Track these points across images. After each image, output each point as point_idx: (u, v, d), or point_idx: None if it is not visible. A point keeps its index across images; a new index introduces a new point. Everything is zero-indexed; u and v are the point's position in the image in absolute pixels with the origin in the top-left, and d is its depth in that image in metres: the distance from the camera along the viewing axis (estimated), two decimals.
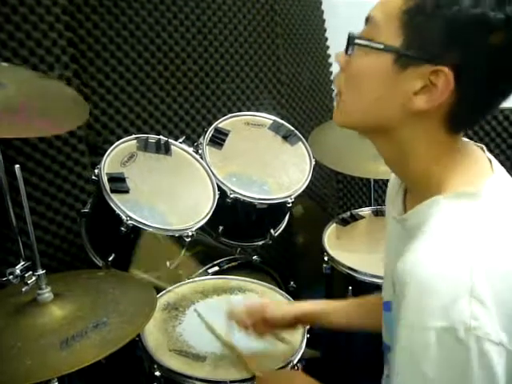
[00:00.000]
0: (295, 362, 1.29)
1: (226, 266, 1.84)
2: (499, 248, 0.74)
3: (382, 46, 0.78)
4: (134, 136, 1.70)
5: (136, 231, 1.50)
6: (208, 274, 1.78)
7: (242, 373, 1.24)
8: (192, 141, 2.09)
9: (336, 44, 2.85)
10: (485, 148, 0.89)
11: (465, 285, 0.70)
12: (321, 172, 2.80)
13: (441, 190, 0.81)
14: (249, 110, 2.31)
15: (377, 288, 1.70)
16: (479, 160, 0.86)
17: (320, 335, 1.44)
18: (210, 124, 1.94)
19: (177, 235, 1.55)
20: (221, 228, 1.83)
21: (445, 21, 0.73)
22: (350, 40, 0.81)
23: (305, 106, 2.75)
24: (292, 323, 1.27)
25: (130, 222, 1.47)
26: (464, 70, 0.74)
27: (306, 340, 1.35)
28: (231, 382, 1.21)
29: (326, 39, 2.86)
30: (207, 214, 1.63)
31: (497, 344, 0.69)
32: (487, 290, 0.69)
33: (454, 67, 0.73)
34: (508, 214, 0.78)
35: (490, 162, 0.86)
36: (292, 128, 2.00)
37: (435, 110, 0.78)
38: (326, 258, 1.88)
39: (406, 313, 0.74)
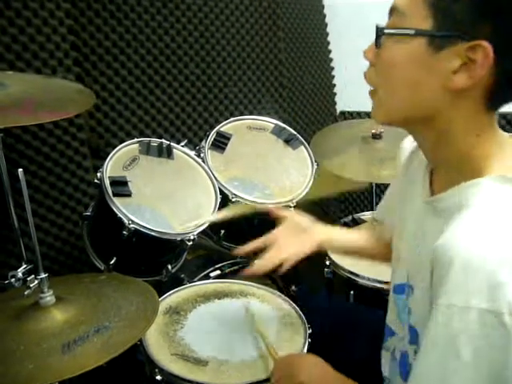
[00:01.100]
0: None
1: (228, 270, 1.84)
2: None
3: (413, 32, 0.77)
4: (136, 139, 1.70)
5: (138, 235, 1.50)
6: (210, 277, 1.78)
7: (249, 375, 1.24)
8: (194, 144, 2.09)
9: (338, 47, 2.86)
10: None
11: (510, 268, 0.68)
12: (321, 175, 2.80)
13: (482, 173, 0.79)
14: (251, 113, 2.31)
15: (378, 292, 1.70)
16: None
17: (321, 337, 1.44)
18: (212, 128, 1.95)
19: (179, 239, 1.56)
20: (222, 232, 1.83)
21: None
22: (379, 31, 0.80)
23: (307, 110, 2.75)
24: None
25: (131, 225, 1.47)
26: (500, 41, 0.73)
27: (308, 344, 1.35)
28: None
29: (328, 43, 2.87)
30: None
31: None
32: None
33: (490, 40, 0.72)
34: None
35: None
36: (294, 132, 2.01)
37: (476, 87, 0.76)
38: (327, 263, 1.87)
39: (448, 291, 0.72)
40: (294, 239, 1.34)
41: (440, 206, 0.85)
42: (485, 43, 0.72)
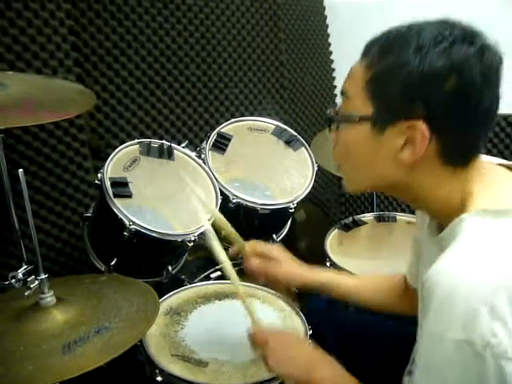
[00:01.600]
0: None
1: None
2: None
3: (357, 118, 0.86)
4: (136, 140, 1.70)
5: (138, 236, 1.49)
6: (210, 278, 1.78)
7: (249, 376, 1.24)
8: (195, 145, 2.09)
9: (339, 49, 2.86)
10: None
11: (487, 301, 0.70)
12: (323, 177, 2.80)
13: (465, 210, 0.83)
14: (252, 114, 2.31)
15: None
16: (502, 179, 0.88)
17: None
18: (212, 129, 1.95)
19: (179, 240, 1.55)
20: (223, 233, 1.83)
21: (401, 83, 0.80)
22: (329, 119, 0.91)
23: (307, 111, 2.75)
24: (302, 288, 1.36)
25: (132, 226, 1.47)
26: (434, 118, 0.80)
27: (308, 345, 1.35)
28: None
29: (329, 44, 2.87)
30: (210, 219, 1.63)
31: None
32: (509, 309, 0.70)
33: (425, 118, 0.79)
34: None
35: None
36: (295, 133, 2.00)
37: (427, 157, 0.82)
38: (328, 264, 1.87)
39: (428, 322, 0.76)
40: (296, 265, 1.37)
41: (443, 245, 0.88)
42: (419, 123, 0.79)
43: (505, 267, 0.73)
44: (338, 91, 2.94)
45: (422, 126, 0.79)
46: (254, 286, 1.61)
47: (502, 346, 0.69)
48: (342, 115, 0.90)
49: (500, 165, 0.93)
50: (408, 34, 0.81)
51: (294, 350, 1.12)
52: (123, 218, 1.48)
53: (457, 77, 0.77)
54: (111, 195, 1.51)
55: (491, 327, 0.70)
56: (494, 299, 0.70)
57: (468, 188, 0.85)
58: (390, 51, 0.82)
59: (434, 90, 0.78)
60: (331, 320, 1.53)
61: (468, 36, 0.79)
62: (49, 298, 1.20)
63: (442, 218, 0.89)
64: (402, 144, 0.82)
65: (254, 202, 1.75)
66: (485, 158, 0.92)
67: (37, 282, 1.21)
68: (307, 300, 1.93)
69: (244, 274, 1.79)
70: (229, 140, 1.90)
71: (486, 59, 0.78)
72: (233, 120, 1.97)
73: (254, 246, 1.39)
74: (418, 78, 0.78)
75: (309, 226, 2.49)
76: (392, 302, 1.32)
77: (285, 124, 2.04)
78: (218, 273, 1.83)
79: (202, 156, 1.81)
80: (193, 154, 1.79)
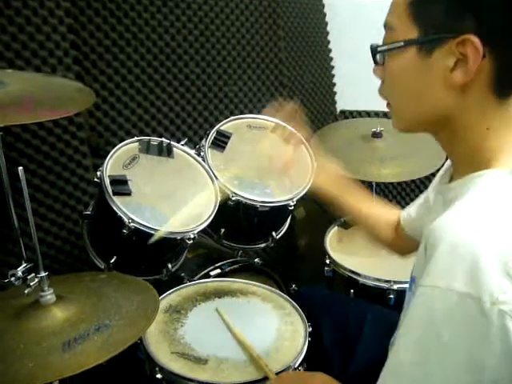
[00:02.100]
0: (296, 365, 1.29)
1: (228, 269, 1.84)
2: None
3: (401, 44, 0.81)
4: (136, 138, 1.70)
5: (138, 234, 1.50)
6: (210, 276, 1.78)
7: (249, 374, 1.24)
8: (194, 143, 2.08)
9: (338, 47, 2.86)
10: None
11: (499, 256, 0.68)
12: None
13: (490, 166, 0.80)
14: (251, 112, 2.30)
15: (378, 291, 1.71)
16: None
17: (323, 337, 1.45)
18: (212, 126, 1.94)
19: (179, 238, 1.55)
20: (223, 230, 1.83)
21: None
22: (372, 50, 0.85)
23: (307, 109, 2.75)
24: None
25: (132, 224, 1.47)
26: (486, 31, 0.74)
27: (307, 343, 1.35)
28: None
29: (329, 42, 2.86)
30: (209, 216, 1.63)
31: None
32: None
33: (476, 32, 0.74)
34: None
35: None
36: (294, 130, 2.00)
37: (478, 80, 0.78)
38: (327, 261, 1.88)
39: (432, 272, 0.72)
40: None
41: (447, 196, 0.86)
42: (471, 37, 0.74)
43: None
44: (337, 89, 2.94)
45: (473, 39, 0.74)
46: (253, 283, 1.61)
47: (510, 305, 0.66)
48: (387, 45, 0.85)
49: None
50: None
51: None
52: (122, 215, 1.48)
53: None
54: (110, 193, 1.51)
55: (501, 284, 0.67)
56: (506, 256, 0.68)
57: (498, 142, 0.81)
58: None
59: (484, 1, 0.74)
60: (328, 309, 1.53)
61: None
62: (49, 295, 1.20)
63: (466, 166, 0.85)
64: (453, 64, 0.78)
65: (253, 200, 1.74)
66: None
67: (36, 280, 1.21)
68: (307, 298, 1.94)
69: (243, 272, 1.81)
70: (228, 138, 1.90)
71: None
72: (232, 117, 1.97)
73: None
74: None
75: (308, 223, 2.49)
76: (385, 237, 1.39)
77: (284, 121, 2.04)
78: (218, 270, 1.83)
79: (202, 154, 1.80)
80: (192, 152, 1.79)
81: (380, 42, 0.89)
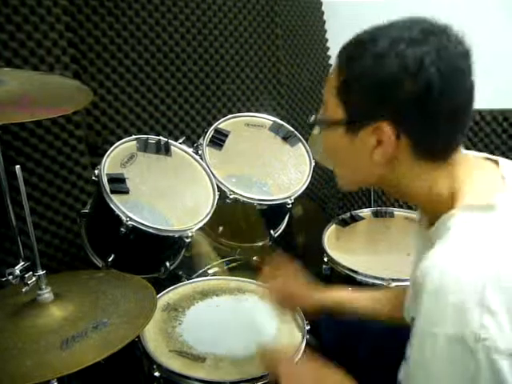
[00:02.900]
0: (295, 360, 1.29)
1: (226, 267, 1.84)
2: None
3: (329, 122, 0.90)
4: (134, 137, 1.70)
5: (136, 232, 1.50)
6: (208, 274, 1.78)
7: (247, 372, 1.24)
8: (192, 141, 2.09)
9: (336, 45, 2.84)
10: (501, 161, 0.92)
11: (477, 294, 0.71)
12: (320, 173, 2.80)
13: (454, 205, 0.85)
14: (249, 110, 2.31)
15: (376, 289, 1.70)
16: (489, 175, 0.90)
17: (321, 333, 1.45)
18: (209, 125, 1.95)
19: (177, 236, 1.56)
20: (220, 229, 1.83)
21: (363, 89, 0.83)
22: (310, 124, 0.92)
23: (305, 107, 2.75)
24: (318, 310, 1.34)
25: (129, 222, 1.47)
26: (398, 119, 0.81)
27: (305, 339, 1.35)
28: (231, 382, 1.21)
29: (327, 40, 2.86)
30: (207, 214, 1.63)
31: (507, 355, 0.70)
32: (499, 301, 0.70)
33: (389, 120, 0.81)
34: None
35: (504, 178, 0.88)
36: (292, 129, 2.00)
37: (400, 154, 0.85)
38: (325, 259, 1.88)
39: (420, 315, 0.76)
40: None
41: (429, 240, 0.90)
42: (384, 125, 0.82)
43: (493, 261, 0.73)
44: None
45: (386, 128, 0.82)
46: (251, 281, 1.61)
47: (493, 340, 0.69)
48: (319, 120, 0.95)
49: (487, 159, 0.94)
50: (368, 39, 0.83)
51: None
52: (120, 213, 1.48)
53: (412, 79, 0.78)
54: (108, 191, 1.51)
55: (481, 321, 0.70)
56: (483, 293, 0.71)
57: (456, 183, 0.86)
58: (353, 58, 0.84)
59: (393, 93, 0.80)
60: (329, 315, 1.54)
61: (426, 34, 0.80)
62: (46, 294, 1.20)
63: (432, 213, 0.90)
64: (375, 144, 0.84)
65: (251, 198, 1.75)
66: (472, 153, 0.94)
67: (34, 279, 1.21)
68: None
69: (241, 270, 1.81)
70: (226, 136, 1.90)
71: (444, 57, 0.79)
72: (230, 116, 1.97)
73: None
74: (376, 83, 0.81)
75: (306, 221, 2.49)
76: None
77: (282, 120, 2.04)
78: (216, 269, 1.83)
79: (200, 152, 1.81)
80: (190, 150, 1.79)
81: None
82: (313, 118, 0.97)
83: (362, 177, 0.94)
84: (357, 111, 0.85)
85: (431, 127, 0.82)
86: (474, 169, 0.89)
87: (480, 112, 2.59)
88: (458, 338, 0.71)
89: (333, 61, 2.89)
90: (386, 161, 0.86)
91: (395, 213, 2.13)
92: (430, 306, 0.74)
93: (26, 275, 1.22)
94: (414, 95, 0.79)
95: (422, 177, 0.87)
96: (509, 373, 0.70)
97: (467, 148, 0.93)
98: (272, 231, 1.93)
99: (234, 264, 1.88)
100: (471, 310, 0.70)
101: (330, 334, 1.46)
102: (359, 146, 0.87)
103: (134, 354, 1.36)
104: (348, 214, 2.13)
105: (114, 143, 1.66)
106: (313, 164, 1.93)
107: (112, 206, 1.50)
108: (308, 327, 1.40)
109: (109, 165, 1.59)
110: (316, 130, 0.95)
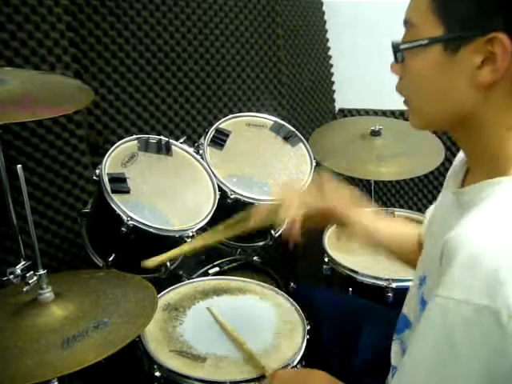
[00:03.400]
0: (295, 363, 1.29)
1: (227, 267, 1.85)
2: None
3: (426, 41, 0.79)
4: (134, 136, 1.70)
5: (136, 231, 1.50)
6: (208, 274, 1.78)
7: (247, 372, 1.24)
8: (193, 141, 2.09)
9: (337, 45, 2.85)
10: None
11: None
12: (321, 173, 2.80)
13: (508, 172, 0.79)
14: (250, 110, 2.31)
15: (377, 289, 1.71)
16: None
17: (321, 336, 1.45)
18: (210, 125, 1.94)
19: (177, 236, 1.55)
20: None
21: None
22: (394, 47, 0.83)
23: (306, 107, 2.75)
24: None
25: (130, 222, 1.47)
26: None
27: (306, 342, 1.35)
28: (231, 382, 1.21)
29: (327, 40, 2.86)
30: (208, 214, 1.63)
31: None
32: None
33: (506, 30, 0.72)
34: None
35: None
36: (293, 129, 2.00)
37: (506, 78, 0.76)
38: (326, 259, 1.88)
39: (449, 283, 0.71)
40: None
41: (462, 199, 0.85)
42: (500, 34, 0.72)
43: None
44: (336, 87, 2.94)
45: (503, 38, 0.72)
46: (252, 281, 1.62)
47: None
48: (408, 45, 0.82)
49: None
50: None
51: None
52: (121, 213, 1.48)
53: None
54: (109, 191, 1.51)
55: None
56: None
57: None
58: None
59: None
60: (327, 308, 1.53)
61: None
62: (47, 293, 1.20)
63: (482, 169, 0.84)
64: (480, 62, 0.75)
65: (252, 198, 1.75)
66: None
67: (35, 278, 1.21)
68: (306, 296, 1.93)
69: (242, 270, 1.80)
70: (227, 136, 1.90)
71: None
72: (231, 116, 1.97)
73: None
74: None
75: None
76: (408, 258, 1.30)
77: (283, 120, 2.04)
78: (217, 269, 1.83)
79: (200, 152, 1.81)
80: (191, 150, 1.79)
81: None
82: (395, 41, 0.84)
83: (447, 110, 0.84)
84: (462, 22, 0.75)
85: None
86: None
87: None
88: (490, 309, 0.66)
89: (334, 61, 2.90)
90: (490, 84, 0.76)
91: (396, 213, 2.13)
92: (460, 276, 0.70)
93: (27, 274, 1.23)
94: None
95: (504, 117, 0.80)
96: None
97: None
98: (272, 231, 1.93)
99: (234, 264, 1.88)
100: (507, 284, 0.66)
101: (330, 334, 1.46)
102: (458, 67, 0.78)
103: (135, 354, 1.36)
104: None
105: (114, 143, 1.66)
106: (314, 164, 1.93)
107: (113, 205, 1.50)
108: (308, 327, 1.40)
109: (110, 164, 1.59)
110: (398, 57, 0.82)
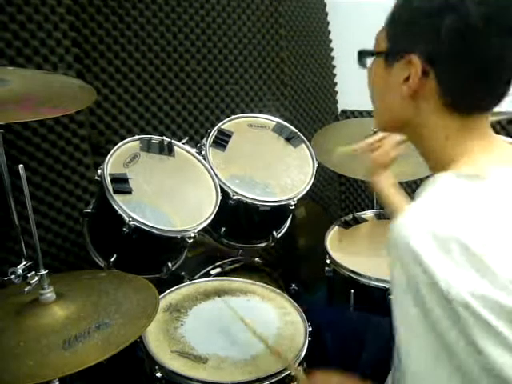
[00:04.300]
0: (296, 364, 1.29)
1: (228, 268, 1.84)
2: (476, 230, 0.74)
3: (374, 53, 0.94)
4: (137, 136, 1.70)
5: (138, 232, 1.49)
6: (210, 275, 1.78)
7: (248, 373, 1.24)
8: (195, 142, 2.08)
9: (340, 46, 2.85)
10: None
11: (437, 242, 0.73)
12: (324, 174, 2.80)
13: (449, 169, 0.86)
14: (252, 111, 2.31)
15: (379, 291, 1.70)
16: (502, 150, 0.90)
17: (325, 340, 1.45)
18: (213, 125, 1.94)
19: (179, 236, 1.55)
20: (223, 229, 1.83)
21: (405, 20, 0.87)
22: (359, 54, 0.97)
23: (308, 108, 2.75)
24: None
25: (132, 222, 1.47)
26: (432, 56, 0.83)
27: (307, 343, 1.35)
28: (233, 383, 1.21)
29: (330, 41, 2.86)
30: (210, 215, 1.63)
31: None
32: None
33: (423, 55, 0.83)
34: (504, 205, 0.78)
35: None
36: (295, 130, 2.00)
37: (427, 95, 0.86)
38: (328, 261, 1.88)
39: (392, 272, 0.82)
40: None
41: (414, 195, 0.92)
42: (414, 58, 0.84)
43: (460, 223, 0.74)
44: (338, 88, 2.94)
45: (416, 61, 0.83)
46: (253, 282, 1.61)
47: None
48: (365, 52, 0.97)
49: None
50: None
51: None
52: (123, 213, 1.48)
53: (454, 16, 0.79)
54: (111, 191, 1.51)
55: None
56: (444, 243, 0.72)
57: (458, 151, 0.88)
58: None
59: (432, 26, 0.81)
60: (330, 318, 1.54)
61: None
62: (49, 293, 1.20)
63: (431, 168, 0.94)
64: (405, 78, 0.86)
65: (254, 199, 1.74)
66: (503, 137, 0.95)
67: (37, 278, 1.21)
68: (307, 298, 1.93)
69: (244, 271, 1.80)
70: (229, 136, 1.90)
71: (491, 2, 0.78)
72: (233, 116, 1.97)
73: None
74: (417, 15, 0.84)
75: (309, 223, 2.49)
76: None
77: (285, 121, 2.04)
78: (218, 269, 1.83)
79: (203, 152, 1.80)
80: (193, 151, 1.79)
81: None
82: (361, 49, 0.99)
83: (391, 114, 0.95)
84: (396, 42, 0.88)
85: (460, 74, 0.83)
86: (490, 143, 0.89)
87: None
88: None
89: (336, 61, 2.89)
90: (412, 96, 0.88)
91: None
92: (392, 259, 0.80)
93: (29, 275, 1.23)
94: (453, 33, 0.80)
95: (441, 128, 0.89)
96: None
97: None
98: (275, 232, 1.92)
99: (236, 265, 1.88)
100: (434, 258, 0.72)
101: (330, 335, 1.45)
102: (393, 79, 0.89)
103: (136, 355, 1.36)
104: (351, 216, 2.13)
105: (117, 143, 1.66)
106: (316, 165, 1.93)
107: (114, 205, 1.49)
108: (310, 329, 1.39)
109: (112, 165, 1.59)
110: (368, 63, 0.95)
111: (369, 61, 0.97)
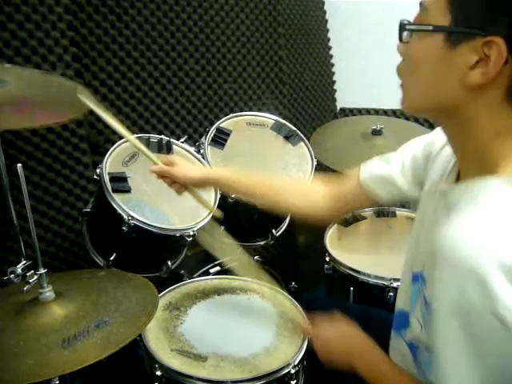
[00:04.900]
0: (296, 363, 1.29)
1: (228, 266, 1.84)
2: None
3: (431, 28, 0.79)
4: (135, 135, 1.70)
5: (137, 231, 1.50)
6: (209, 273, 1.78)
7: (248, 371, 1.24)
8: (194, 140, 2.09)
9: (338, 44, 2.85)
10: None
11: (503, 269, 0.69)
12: (322, 172, 2.80)
13: (496, 172, 0.79)
14: (251, 109, 2.31)
15: (378, 288, 1.70)
16: None
17: None
18: (211, 124, 1.94)
19: (178, 235, 1.55)
20: (222, 228, 1.83)
21: None
22: (401, 27, 0.83)
23: (307, 106, 2.75)
24: (201, 185, 1.42)
25: (131, 221, 1.47)
26: None
27: (306, 341, 1.35)
28: (232, 382, 1.21)
29: (329, 39, 2.86)
30: (209, 214, 1.63)
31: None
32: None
33: (506, 36, 0.72)
34: None
35: None
36: (294, 128, 2.00)
37: (496, 83, 0.76)
38: (327, 259, 1.87)
39: (440, 290, 0.75)
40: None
41: (449, 198, 0.85)
42: (498, 39, 0.72)
43: None
44: (337, 86, 2.94)
45: (500, 43, 0.72)
46: (251, 280, 1.61)
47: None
48: (416, 25, 0.83)
49: None
50: None
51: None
52: (122, 212, 1.48)
53: None
54: (110, 190, 1.51)
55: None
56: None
57: (507, 149, 0.80)
58: None
59: None
60: (330, 309, 1.53)
61: None
62: (48, 292, 1.20)
63: (472, 166, 0.85)
64: (474, 62, 0.76)
65: None
66: None
67: (36, 277, 1.21)
68: (307, 296, 1.93)
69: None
70: (228, 135, 1.90)
71: None
72: (232, 115, 1.97)
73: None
74: None
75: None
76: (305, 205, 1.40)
77: (284, 119, 2.04)
78: (218, 268, 1.83)
79: (201, 151, 1.81)
80: (192, 149, 1.79)
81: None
82: (403, 20, 0.84)
83: (435, 99, 0.84)
84: (468, 18, 0.75)
85: None
86: None
87: None
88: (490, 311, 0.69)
89: (335, 60, 2.89)
90: (478, 86, 0.77)
91: (397, 212, 2.12)
92: (450, 280, 0.73)
93: (28, 274, 1.23)
94: None
95: (493, 122, 0.79)
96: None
97: None
98: (274, 230, 1.93)
99: (235, 263, 1.87)
100: (495, 286, 0.68)
101: None
102: (454, 61, 0.78)
103: (136, 353, 1.36)
104: (350, 214, 2.13)
105: (115, 142, 1.66)
106: (315, 163, 1.93)
107: (114, 204, 1.50)
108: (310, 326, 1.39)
109: (111, 163, 1.59)
110: (405, 37, 0.83)
111: (405, 33, 0.84)
